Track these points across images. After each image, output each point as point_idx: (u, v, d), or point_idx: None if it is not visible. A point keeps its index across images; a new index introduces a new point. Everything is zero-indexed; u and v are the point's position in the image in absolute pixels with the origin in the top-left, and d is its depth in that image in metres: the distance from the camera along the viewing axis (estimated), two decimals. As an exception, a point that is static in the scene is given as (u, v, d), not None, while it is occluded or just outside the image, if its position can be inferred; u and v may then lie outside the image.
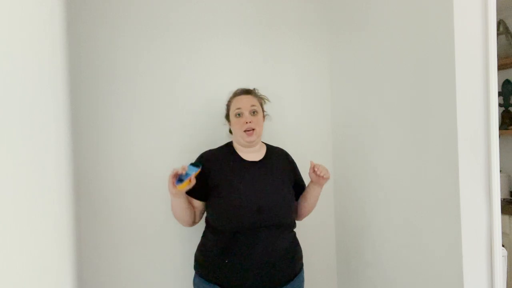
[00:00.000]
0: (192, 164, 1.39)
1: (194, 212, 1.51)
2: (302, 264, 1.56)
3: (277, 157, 1.59)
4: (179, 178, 1.32)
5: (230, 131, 1.60)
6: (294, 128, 2.01)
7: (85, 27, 1.65)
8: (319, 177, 1.49)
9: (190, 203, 1.49)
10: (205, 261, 1.48)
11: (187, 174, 1.32)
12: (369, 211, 1.80)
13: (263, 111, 1.57)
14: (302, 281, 1.54)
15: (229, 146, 1.58)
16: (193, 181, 1.34)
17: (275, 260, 1.41)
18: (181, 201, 1.41)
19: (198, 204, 1.51)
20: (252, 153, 1.54)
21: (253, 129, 1.48)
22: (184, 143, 1.79)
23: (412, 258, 1.53)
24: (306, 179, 1.66)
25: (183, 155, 1.72)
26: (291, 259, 1.47)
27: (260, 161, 1.54)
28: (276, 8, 1.98)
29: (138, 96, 1.73)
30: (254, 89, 1.61)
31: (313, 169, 1.49)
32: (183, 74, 1.80)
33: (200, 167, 1.35)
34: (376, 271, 1.78)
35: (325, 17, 2.08)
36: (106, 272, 1.69)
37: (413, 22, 1.46)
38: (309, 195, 1.59)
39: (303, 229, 1.64)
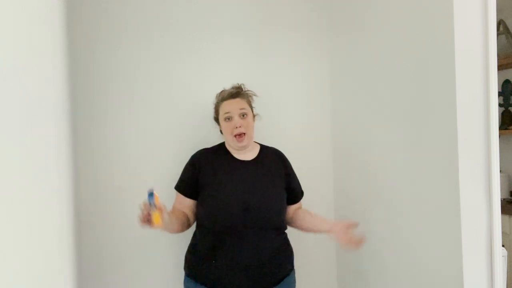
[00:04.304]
0: (149, 194, 1.24)
1: (187, 215, 1.48)
2: (292, 266, 1.53)
3: (270, 158, 1.57)
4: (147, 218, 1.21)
5: (221, 131, 1.58)
6: (294, 129, 2.01)
7: (85, 27, 1.65)
8: (345, 235, 1.38)
9: (180, 212, 1.46)
10: (194, 262, 1.47)
11: (151, 206, 1.21)
12: (368, 211, 1.80)
13: (252, 111, 1.55)
14: (293, 282, 1.52)
15: (222, 146, 1.57)
16: (162, 206, 1.21)
17: (262, 262, 1.39)
18: (171, 223, 1.34)
19: (190, 203, 1.49)
20: (245, 153, 1.53)
21: (244, 134, 1.45)
22: (182, 143, 1.78)
23: (412, 258, 1.53)
24: (303, 183, 1.65)
25: (182, 154, 1.71)
26: (279, 261, 1.45)
27: (252, 160, 1.52)
28: (276, 8, 1.97)
29: (138, 96, 1.73)
30: (240, 86, 1.56)
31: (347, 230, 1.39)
32: (182, 74, 1.80)
33: (153, 190, 1.22)
34: (376, 270, 1.78)
35: (325, 17, 2.08)
36: (102, 271, 1.69)
37: (413, 22, 1.46)
38: (312, 227, 1.52)
39: (303, 229, 1.64)
